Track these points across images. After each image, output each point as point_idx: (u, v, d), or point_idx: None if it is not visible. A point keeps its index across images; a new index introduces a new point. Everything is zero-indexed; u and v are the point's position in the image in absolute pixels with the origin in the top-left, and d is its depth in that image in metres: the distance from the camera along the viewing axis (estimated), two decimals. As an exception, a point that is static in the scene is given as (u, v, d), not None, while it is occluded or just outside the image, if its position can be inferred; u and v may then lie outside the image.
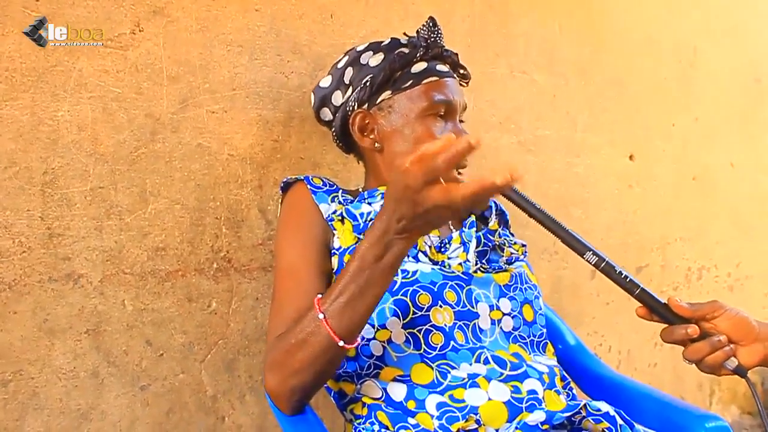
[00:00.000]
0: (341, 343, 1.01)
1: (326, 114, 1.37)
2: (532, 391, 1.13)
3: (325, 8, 1.58)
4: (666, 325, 1.10)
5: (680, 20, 2.46)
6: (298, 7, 1.53)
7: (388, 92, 1.28)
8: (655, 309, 1.09)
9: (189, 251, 1.39)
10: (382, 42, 1.34)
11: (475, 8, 1.88)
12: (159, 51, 1.35)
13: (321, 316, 1.01)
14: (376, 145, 1.30)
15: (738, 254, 2.70)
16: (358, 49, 1.35)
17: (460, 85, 1.35)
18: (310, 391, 1.09)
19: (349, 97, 1.31)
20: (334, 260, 1.22)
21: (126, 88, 1.32)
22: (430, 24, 1.30)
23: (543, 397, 1.14)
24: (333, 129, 1.37)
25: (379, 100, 1.29)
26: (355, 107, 1.30)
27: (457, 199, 0.87)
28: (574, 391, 1.27)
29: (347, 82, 1.32)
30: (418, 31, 1.31)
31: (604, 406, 1.13)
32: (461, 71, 1.36)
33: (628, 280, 1.07)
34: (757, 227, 2.76)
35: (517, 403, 1.10)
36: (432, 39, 1.30)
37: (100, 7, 1.28)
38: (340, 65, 1.35)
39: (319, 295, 1.04)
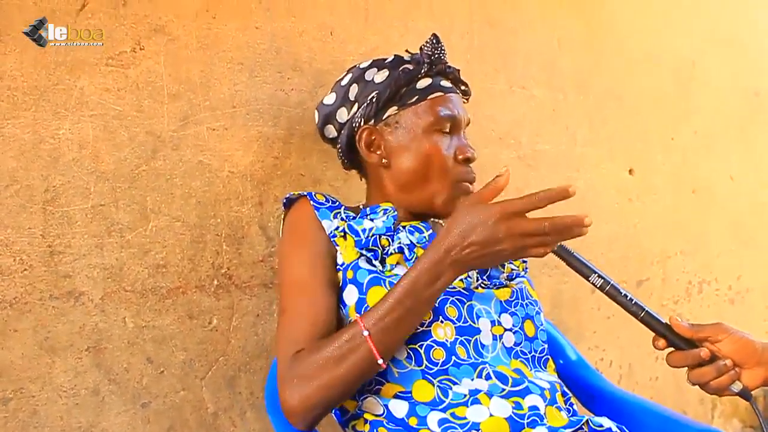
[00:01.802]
0: (380, 361, 1.05)
1: (331, 131, 1.37)
2: (534, 407, 1.13)
3: (325, 25, 1.59)
4: (672, 349, 1.10)
5: (679, 34, 2.47)
6: (298, 24, 1.54)
7: (395, 108, 1.29)
8: (661, 333, 1.10)
9: (190, 268, 1.39)
10: (385, 59, 1.35)
11: (474, 25, 1.88)
12: (160, 69, 1.36)
13: (366, 333, 1.04)
14: (384, 160, 1.30)
15: (738, 267, 2.70)
16: (362, 66, 1.35)
17: (462, 100, 1.36)
18: (331, 407, 1.11)
19: (355, 113, 1.31)
20: (339, 276, 1.22)
21: (127, 106, 1.32)
22: (434, 41, 1.31)
23: (545, 413, 1.13)
24: (339, 146, 1.37)
25: (385, 116, 1.29)
26: (362, 123, 1.30)
27: (550, 228, 0.99)
28: (575, 406, 1.26)
29: (352, 98, 1.32)
30: (421, 48, 1.32)
31: (607, 422, 1.13)
32: (462, 87, 1.38)
33: (633, 303, 1.08)
34: (758, 240, 2.76)
35: (518, 419, 1.10)
36: (436, 55, 1.31)
37: (101, 25, 1.29)
38: (343, 82, 1.35)
39: (358, 315, 1.08)
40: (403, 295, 1.04)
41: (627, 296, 1.07)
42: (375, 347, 1.04)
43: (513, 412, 1.11)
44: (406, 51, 1.36)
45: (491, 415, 1.10)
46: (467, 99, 1.39)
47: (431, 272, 1.03)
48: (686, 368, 1.11)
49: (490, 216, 0.99)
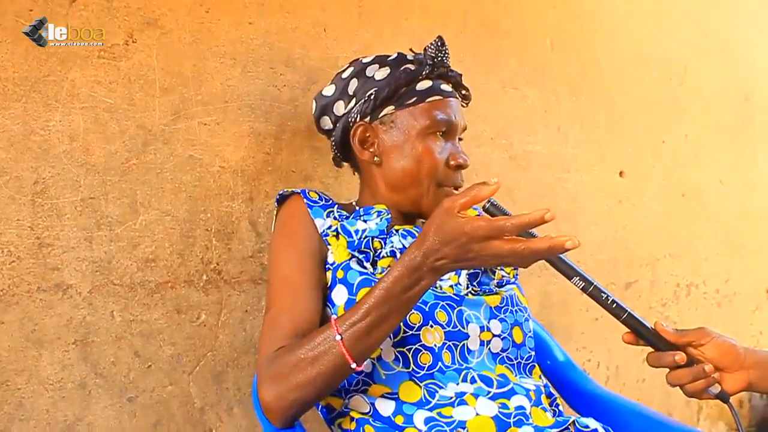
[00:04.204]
0: (353, 365, 1.04)
1: (326, 123, 1.37)
2: (520, 407, 1.13)
3: (318, 22, 1.59)
4: (652, 349, 1.12)
5: (671, 39, 2.48)
6: (291, 20, 1.54)
7: (392, 107, 1.28)
8: (642, 334, 1.10)
9: (179, 263, 1.39)
10: (388, 56, 1.34)
11: (468, 25, 1.89)
12: (152, 62, 1.35)
13: (338, 337, 1.03)
14: (376, 158, 1.30)
15: (726, 271, 2.71)
16: (364, 60, 1.34)
17: (461, 105, 1.35)
18: (308, 406, 1.09)
19: (352, 108, 1.31)
20: (328, 275, 1.22)
21: (118, 99, 1.32)
22: (438, 43, 1.30)
23: (530, 413, 1.14)
24: (332, 139, 1.37)
25: (381, 114, 1.29)
26: (357, 119, 1.30)
27: (525, 252, 0.93)
28: (561, 407, 1.27)
29: (351, 93, 1.32)
30: (425, 49, 1.31)
31: (593, 423, 1.13)
32: (463, 92, 1.37)
33: (614, 305, 1.08)
34: (746, 244, 2.78)
35: (505, 418, 1.11)
36: (439, 58, 1.30)
37: (94, 18, 1.29)
38: (344, 75, 1.35)
39: (335, 315, 1.06)
40: (381, 300, 1.02)
41: (609, 298, 1.07)
42: (347, 351, 1.02)
43: (499, 411, 1.11)
44: (410, 50, 1.35)
45: (477, 414, 1.10)
46: (467, 104, 1.38)
47: (410, 277, 1.00)
48: (667, 370, 1.13)
49: (458, 236, 0.95)
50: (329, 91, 1.36)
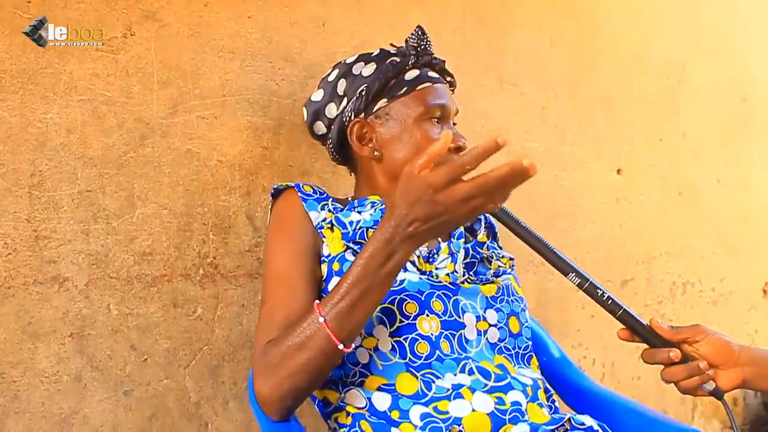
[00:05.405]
0: (341, 346, 1.03)
1: (320, 128, 1.37)
2: (516, 403, 1.14)
3: (317, 17, 1.58)
4: (647, 346, 1.12)
5: (669, 38, 2.49)
6: (290, 15, 1.54)
7: (384, 100, 1.29)
8: (637, 331, 1.11)
9: (176, 256, 1.39)
10: (371, 53, 1.35)
11: (467, 20, 1.89)
12: (150, 55, 1.35)
13: (321, 319, 1.03)
14: (376, 153, 1.30)
15: (722, 269, 2.72)
16: (348, 61, 1.36)
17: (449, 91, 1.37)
18: (303, 395, 1.10)
19: (345, 107, 1.32)
20: (323, 267, 1.22)
21: (116, 92, 1.31)
22: (419, 32, 1.32)
23: (526, 410, 1.14)
24: (329, 142, 1.37)
25: (375, 108, 1.30)
26: (352, 117, 1.31)
27: (490, 184, 0.93)
28: (557, 404, 1.27)
29: (341, 93, 1.33)
30: (407, 40, 1.33)
31: (588, 420, 1.13)
32: (448, 78, 1.39)
33: (610, 301, 1.08)
34: (741, 243, 2.78)
35: (500, 415, 1.11)
36: (422, 47, 1.32)
37: (92, 10, 1.28)
38: (330, 78, 1.36)
39: (317, 301, 1.06)
40: (358, 278, 1.02)
41: (605, 295, 1.08)
42: (332, 332, 1.02)
43: (495, 408, 1.11)
44: (391, 44, 1.36)
45: (473, 410, 1.10)
46: (453, 90, 1.40)
47: (383, 252, 1.00)
48: (662, 367, 1.13)
49: (423, 191, 0.94)
50: (318, 95, 1.36)
